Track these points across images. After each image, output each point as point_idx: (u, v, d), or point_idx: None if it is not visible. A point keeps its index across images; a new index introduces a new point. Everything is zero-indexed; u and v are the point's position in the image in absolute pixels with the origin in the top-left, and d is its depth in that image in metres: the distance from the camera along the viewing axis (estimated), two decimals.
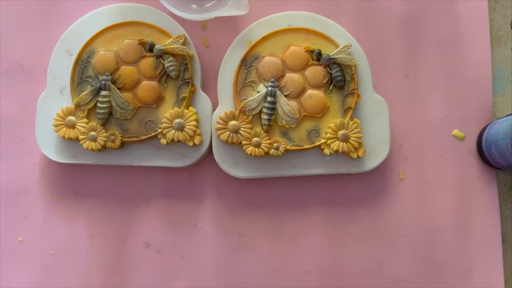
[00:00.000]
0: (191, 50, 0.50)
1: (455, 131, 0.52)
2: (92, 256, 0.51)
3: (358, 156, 0.49)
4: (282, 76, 0.50)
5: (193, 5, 0.52)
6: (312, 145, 0.49)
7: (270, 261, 0.51)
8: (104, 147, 0.49)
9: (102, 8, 0.51)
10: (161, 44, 0.50)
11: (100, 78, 0.49)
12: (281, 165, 0.49)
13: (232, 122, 0.49)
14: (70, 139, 0.49)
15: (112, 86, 0.49)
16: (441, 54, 0.53)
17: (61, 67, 0.50)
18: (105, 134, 0.49)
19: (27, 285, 0.51)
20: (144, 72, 0.50)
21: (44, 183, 0.52)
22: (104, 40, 0.50)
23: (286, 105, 0.49)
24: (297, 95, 0.49)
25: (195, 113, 0.49)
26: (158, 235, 0.51)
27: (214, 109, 0.50)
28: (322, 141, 0.49)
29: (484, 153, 0.50)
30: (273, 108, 0.49)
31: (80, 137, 0.49)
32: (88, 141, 0.49)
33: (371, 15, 0.53)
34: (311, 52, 0.50)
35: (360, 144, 0.49)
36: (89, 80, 0.50)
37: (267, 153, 0.49)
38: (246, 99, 0.49)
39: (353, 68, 0.49)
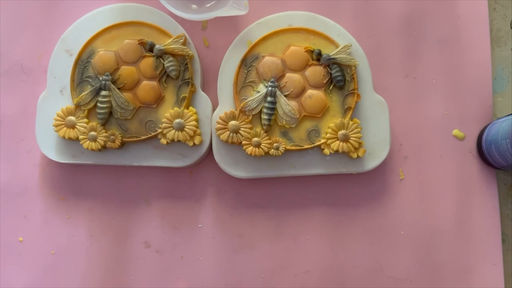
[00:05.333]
0: (191, 50, 0.50)
1: (455, 131, 0.52)
2: (92, 256, 0.51)
3: (358, 156, 0.49)
4: (282, 76, 0.50)
5: (193, 5, 0.52)
6: (312, 145, 0.49)
7: (270, 261, 0.51)
8: (104, 147, 0.49)
9: (102, 8, 0.51)
10: (161, 44, 0.50)
11: (100, 78, 0.49)
12: (281, 165, 0.49)
13: (232, 122, 0.49)
14: (70, 139, 0.49)
15: (112, 86, 0.49)
16: (441, 54, 0.53)
17: (61, 67, 0.50)
18: (105, 134, 0.49)
19: (27, 285, 0.51)
20: (144, 72, 0.50)
21: (44, 183, 0.52)
22: (104, 40, 0.50)
23: (286, 105, 0.49)
24: (297, 95, 0.49)
25: (195, 113, 0.49)
26: (158, 235, 0.51)
27: (214, 109, 0.50)
28: (322, 141, 0.49)
29: (484, 153, 0.50)
30: (273, 108, 0.49)
31: (80, 137, 0.49)
32: (88, 141, 0.49)
33: (371, 15, 0.53)
34: (311, 52, 0.50)
35: (360, 144, 0.49)
36: (89, 80, 0.50)
37: (267, 153, 0.49)
38: (246, 99, 0.49)
39: (353, 68, 0.49)
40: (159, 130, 0.49)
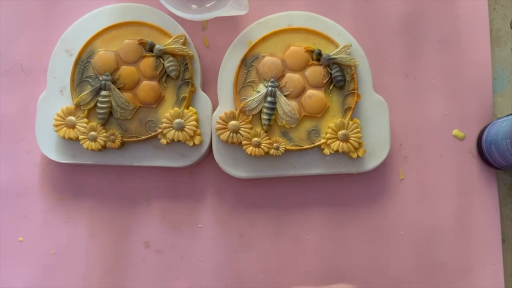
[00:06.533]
0: (191, 50, 0.50)
1: (455, 131, 0.52)
2: (92, 256, 0.51)
3: (358, 156, 0.49)
4: (282, 76, 0.50)
5: (193, 5, 0.52)
6: (312, 145, 0.49)
7: (270, 261, 0.51)
8: (104, 147, 0.49)
9: (102, 8, 0.51)
10: (161, 44, 0.50)
11: (100, 78, 0.49)
12: (281, 165, 0.49)
13: (232, 122, 0.49)
14: (70, 139, 0.49)
15: (112, 86, 0.49)
16: (441, 54, 0.53)
17: (61, 67, 0.50)
18: (105, 134, 0.49)
19: (27, 285, 0.51)
20: (144, 72, 0.50)
21: (44, 183, 0.52)
22: (104, 40, 0.50)
23: (286, 105, 0.49)
24: (297, 95, 0.49)
25: (195, 113, 0.49)
26: (158, 235, 0.51)
27: (214, 109, 0.50)
28: (322, 141, 0.49)
29: (484, 153, 0.50)
30: (273, 108, 0.49)
31: (80, 137, 0.49)
32: (88, 141, 0.49)
33: (371, 15, 0.53)
34: (311, 52, 0.50)
35: (360, 144, 0.49)
36: (89, 80, 0.50)
37: (267, 153, 0.49)
38: (246, 99, 0.49)
39: (353, 68, 0.49)
40: (159, 130, 0.49)
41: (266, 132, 0.49)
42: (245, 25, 0.51)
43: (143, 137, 0.49)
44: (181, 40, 0.50)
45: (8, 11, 0.54)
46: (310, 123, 0.49)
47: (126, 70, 0.50)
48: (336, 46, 0.50)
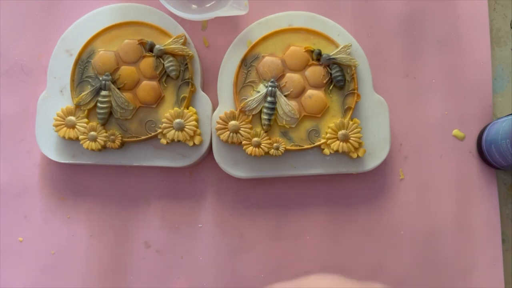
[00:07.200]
0: (191, 50, 0.50)
1: (455, 131, 0.52)
2: (92, 256, 0.51)
3: (358, 156, 0.49)
4: (282, 76, 0.50)
5: (193, 5, 0.52)
6: (312, 145, 0.49)
7: (270, 261, 0.51)
8: (104, 147, 0.49)
9: (102, 8, 0.51)
10: (161, 44, 0.50)
11: (100, 78, 0.49)
12: (281, 165, 0.49)
13: (232, 122, 0.49)
14: (70, 139, 0.49)
15: (112, 86, 0.49)
16: (441, 54, 0.53)
17: (61, 67, 0.50)
18: (105, 134, 0.49)
19: (27, 285, 0.51)
20: (144, 72, 0.50)
21: (44, 183, 0.52)
22: (104, 40, 0.50)
23: (286, 105, 0.49)
24: (297, 95, 0.49)
25: (195, 113, 0.49)
26: (158, 235, 0.51)
27: (214, 109, 0.50)
28: (322, 141, 0.49)
29: (484, 153, 0.50)
30: (273, 108, 0.49)
31: (80, 137, 0.49)
32: (88, 141, 0.49)
33: (371, 15, 0.53)
34: (311, 52, 0.50)
35: (360, 144, 0.49)
36: (89, 80, 0.50)
37: (267, 153, 0.49)
38: (246, 99, 0.49)
39: (353, 68, 0.49)
40: (159, 130, 0.49)
41: (266, 132, 0.49)
42: (245, 25, 0.51)
43: (143, 137, 0.49)
44: (181, 40, 0.50)
45: (8, 11, 0.54)
46: (310, 123, 0.49)
47: (126, 70, 0.50)
48: (336, 46, 0.50)
